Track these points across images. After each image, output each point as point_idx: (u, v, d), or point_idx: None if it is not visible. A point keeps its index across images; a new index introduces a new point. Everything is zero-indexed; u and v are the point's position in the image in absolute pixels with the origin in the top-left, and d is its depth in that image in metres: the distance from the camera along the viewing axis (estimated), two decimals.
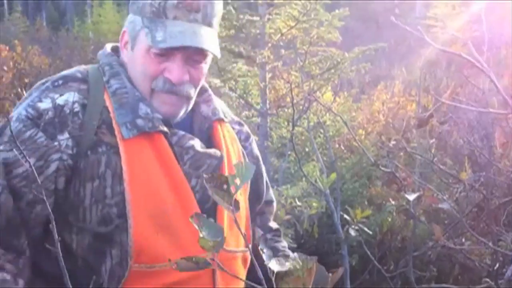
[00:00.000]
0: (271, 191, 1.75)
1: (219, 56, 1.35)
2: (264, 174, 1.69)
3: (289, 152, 4.63)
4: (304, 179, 3.81)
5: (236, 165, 0.93)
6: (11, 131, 1.24)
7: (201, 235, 0.95)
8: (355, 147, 4.52)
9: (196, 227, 0.95)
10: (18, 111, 1.30)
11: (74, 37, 16.40)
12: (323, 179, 3.28)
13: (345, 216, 3.04)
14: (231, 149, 1.46)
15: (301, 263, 0.86)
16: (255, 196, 1.64)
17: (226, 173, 1.38)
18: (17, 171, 1.24)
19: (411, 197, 2.23)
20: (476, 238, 2.34)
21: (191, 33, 1.28)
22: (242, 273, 1.46)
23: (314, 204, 3.48)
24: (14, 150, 1.23)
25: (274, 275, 0.96)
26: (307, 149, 4.50)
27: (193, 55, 1.32)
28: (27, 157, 1.17)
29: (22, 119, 1.28)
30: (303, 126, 4.47)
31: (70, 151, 1.26)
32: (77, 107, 1.30)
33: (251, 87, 4.94)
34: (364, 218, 3.08)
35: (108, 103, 1.32)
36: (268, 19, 5.00)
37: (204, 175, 0.90)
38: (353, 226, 3.01)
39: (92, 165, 1.27)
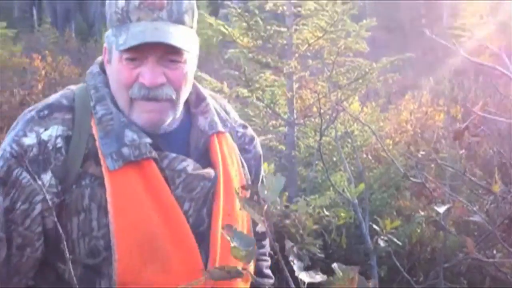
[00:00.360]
0: None
1: (190, 51, 1.28)
2: (261, 176, 1.63)
3: (316, 162, 4.63)
4: (331, 188, 3.81)
5: (267, 177, 0.94)
6: None
7: (233, 245, 0.96)
8: (383, 157, 4.50)
9: (228, 238, 0.95)
10: (3, 147, 1.27)
11: (102, 48, 16.64)
12: (351, 189, 3.28)
13: (374, 226, 3.03)
14: (229, 163, 1.40)
15: (341, 273, 0.86)
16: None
17: (221, 194, 1.34)
18: (6, 216, 1.22)
19: (441, 209, 2.21)
20: (507, 250, 2.31)
21: (152, 30, 1.23)
22: None
23: (342, 214, 3.47)
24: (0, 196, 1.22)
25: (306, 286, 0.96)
26: (334, 159, 4.50)
27: (166, 55, 1.26)
28: (14, 201, 1.20)
29: (6, 157, 1.25)
30: (331, 136, 4.47)
31: (54, 190, 1.24)
32: (59, 143, 1.26)
33: (278, 97, 4.96)
34: (393, 229, 3.06)
35: (94, 130, 1.28)
36: (295, 29, 5.03)
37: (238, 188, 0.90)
38: (382, 237, 3.00)
39: (77, 199, 1.24)
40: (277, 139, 5.05)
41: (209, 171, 1.35)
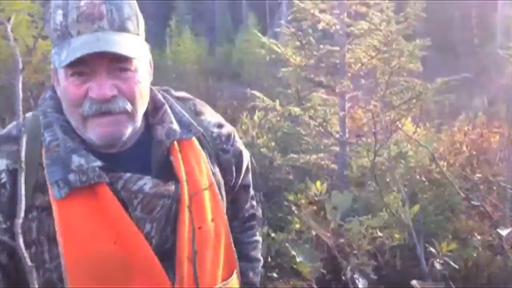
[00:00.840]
0: (249, 176, 1.63)
1: (137, 57, 1.20)
2: (244, 175, 1.57)
3: (369, 182, 4.58)
4: (385, 209, 3.76)
5: (334, 195, 0.95)
6: None
7: (298, 259, 0.97)
8: (437, 179, 4.41)
9: (293, 252, 0.97)
10: None
11: (155, 66, 17.00)
12: (406, 210, 3.22)
13: (430, 249, 2.97)
14: (196, 171, 1.31)
15: None
16: (238, 200, 1.57)
17: (185, 209, 1.26)
18: None
19: (504, 232, 2.16)
20: None
21: (94, 41, 1.16)
22: None
23: (396, 236, 3.41)
24: None
25: None
26: (387, 179, 4.44)
27: (114, 65, 1.19)
28: None
29: None
30: (384, 156, 4.42)
31: (3, 226, 1.20)
32: (4, 177, 1.21)
33: (330, 116, 4.95)
34: (449, 252, 2.99)
35: (43, 159, 1.22)
36: (348, 49, 5.03)
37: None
38: (438, 260, 2.93)
39: (25, 233, 1.18)
40: (328, 158, 5.03)
41: (169, 187, 1.27)
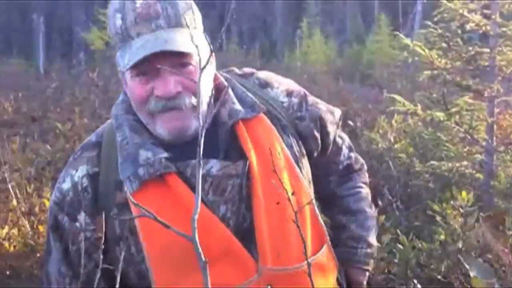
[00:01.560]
0: (345, 149, 1.59)
1: (193, 51, 1.20)
2: (332, 134, 1.52)
3: None
4: None
5: None
6: (47, 225, 1.35)
7: (472, 274, 0.91)
8: None
9: (466, 266, 0.91)
10: (52, 195, 1.36)
11: (285, 67, 17.28)
12: None
13: None
14: (266, 148, 1.29)
15: None
16: (325, 166, 1.53)
17: (259, 185, 1.27)
18: (66, 258, 1.32)
19: None
20: None
21: (153, 41, 1.19)
22: (322, 283, 1.35)
23: None
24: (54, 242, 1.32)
25: None
26: None
27: (175, 60, 1.22)
28: (66, 243, 1.28)
29: (51, 206, 1.34)
30: None
31: (91, 226, 1.28)
32: (85, 182, 1.30)
33: (477, 121, 4.67)
34: None
35: (119, 158, 1.29)
36: (499, 51, 4.71)
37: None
38: None
39: (110, 231, 1.26)
40: (472, 167, 4.75)
41: (237, 166, 1.27)
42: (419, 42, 4.60)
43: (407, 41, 4.86)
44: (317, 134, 1.46)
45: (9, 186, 3.01)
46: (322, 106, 1.52)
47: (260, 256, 1.26)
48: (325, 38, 22.54)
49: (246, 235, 1.27)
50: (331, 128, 1.52)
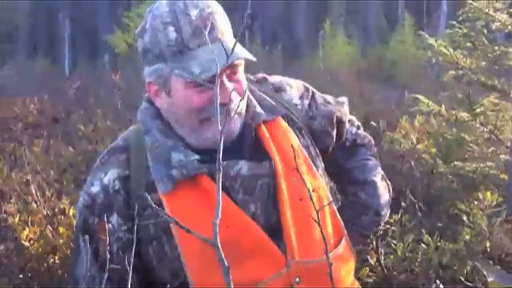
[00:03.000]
0: (351, 127, 1.66)
1: (246, 56, 1.29)
2: (347, 124, 1.60)
3: None
4: None
5: None
6: (76, 228, 1.39)
7: (489, 279, 0.92)
8: None
9: (483, 271, 0.92)
10: (79, 201, 1.40)
11: (307, 68, 17.23)
12: None
13: None
14: (286, 148, 1.37)
15: None
16: (344, 156, 1.59)
17: (283, 183, 1.33)
18: (97, 259, 1.34)
19: None
20: None
21: (220, 54, 1.20)
22: (343, 275, 1.42)
23: None
24: (80, 244, 1.35)
25: None
26: None
27: (229, 68, 1.30)
28: (97, 245, 1.31)
29: (80, 209, 1.38)
30: None
31: (124, 227, 1.33)
32: (117, 184, 1.34)
33: (502, 122, 4.61)
34: None
35: (149, 161, 1.34)
36: None
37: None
38: None
39: (144, 230, 1.30)
40: (497, 167, 4.69)
41: (264, 166, 1.35)
42: (443, 42, 4.57)
43: (431, 40, 4.83)
44: (331, 130, 1.55)
45: (32, 188, 3.06)
46: (331, 99, 1.60)
47: (288, 250, 1.33)
48: (348, 39, 22.44)
49: (274, 231, 1.33)
50: (345, 118, 1.62)
